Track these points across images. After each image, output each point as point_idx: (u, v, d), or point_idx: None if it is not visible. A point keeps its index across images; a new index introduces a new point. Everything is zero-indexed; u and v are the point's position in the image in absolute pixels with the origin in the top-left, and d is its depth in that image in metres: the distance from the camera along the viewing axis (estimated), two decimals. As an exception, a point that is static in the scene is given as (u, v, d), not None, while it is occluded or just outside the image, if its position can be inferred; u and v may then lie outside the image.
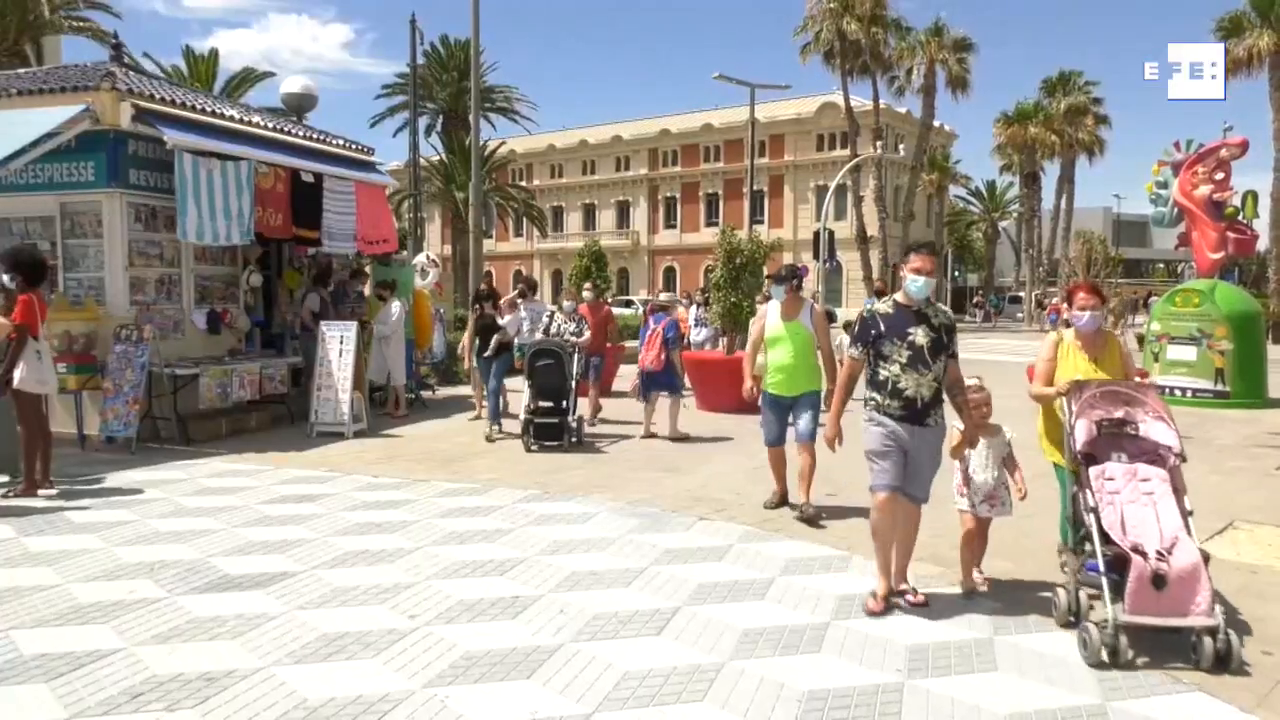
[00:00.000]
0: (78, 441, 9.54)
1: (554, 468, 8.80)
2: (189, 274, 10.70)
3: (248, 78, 33.29)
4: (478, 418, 11.62)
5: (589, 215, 66.10)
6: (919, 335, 4.81)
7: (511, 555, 5.86)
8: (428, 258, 14.39)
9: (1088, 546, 4.50)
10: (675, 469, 8.79)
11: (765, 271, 11.81)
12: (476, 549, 6.01)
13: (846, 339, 9.53)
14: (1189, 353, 14.03)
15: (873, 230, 44.70)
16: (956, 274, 52.56)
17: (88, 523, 6.61)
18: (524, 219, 51.03)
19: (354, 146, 13.31)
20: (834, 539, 6.31)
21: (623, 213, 64.68)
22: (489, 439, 10.28)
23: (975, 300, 56.37)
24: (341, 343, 10.68)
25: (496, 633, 4.54)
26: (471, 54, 19.31)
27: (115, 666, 4.08)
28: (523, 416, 9.77)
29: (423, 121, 40.16)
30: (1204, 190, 14.96)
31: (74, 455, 9.13)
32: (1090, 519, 4.46)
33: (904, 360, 4.80)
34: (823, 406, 6.72)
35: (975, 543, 5.33)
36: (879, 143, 40.67)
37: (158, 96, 10.18)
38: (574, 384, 9.85)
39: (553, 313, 10.98)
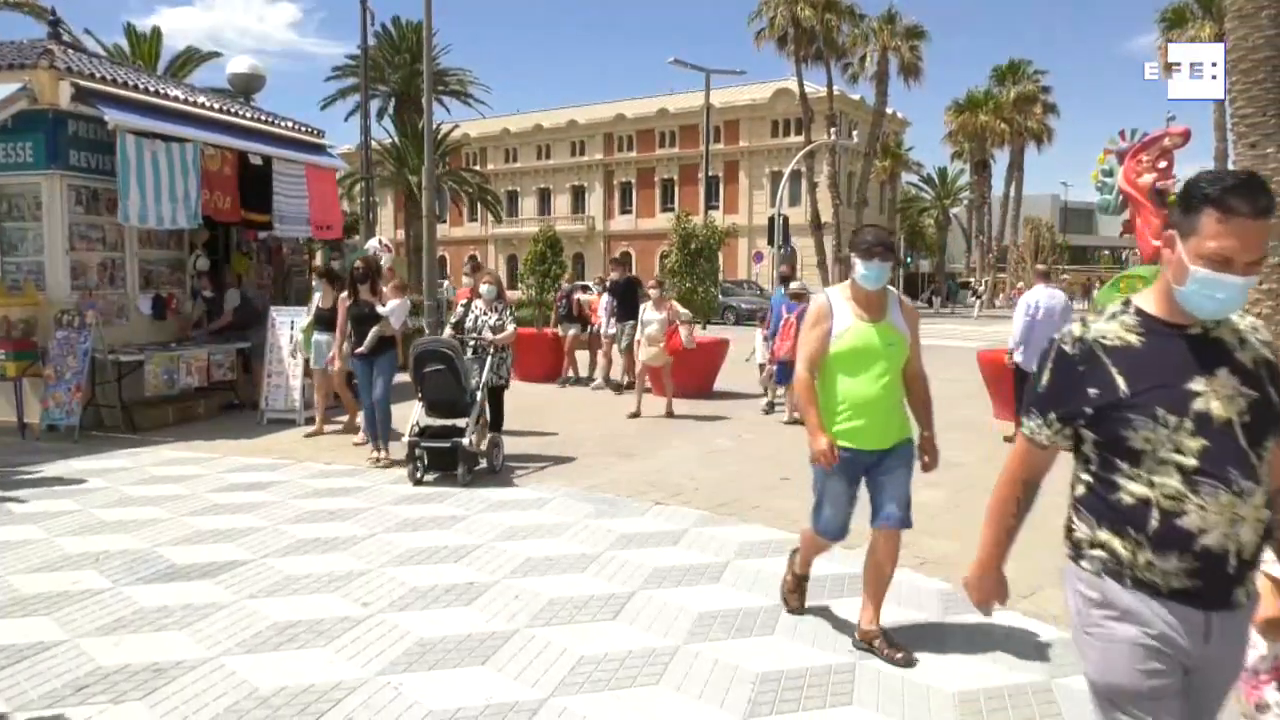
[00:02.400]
0: (18, 430, 9.29)
1: (510, 454, 8.75)
2: (133, 258, 10.45)
3: (192, 57, 32.47)
4: (360, 442, 8.94)
5: (544, 200, 65.71)
6: (1212, 395, 2.03)
7: (466, 542, 5.84)
8: (380, 242, 14.19)
9: None
10: (630, 454, 8.80)
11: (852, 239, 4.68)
12: (430, 536, 5.97)
13: (760, 339, 9.79)
14: (1132, 338, 14.33)
15: (827, 216, 45.01)
16: (909, 260, 53.15)
17: (29, 513, 6.45)
18: (478, 203, 50.57)
19: (304, 129, 13.08)
20: (787, 523, 6.37)
21: (578, 198, 64.40)
22: (377, 464, 8.12)
23: (933, 286, 57.03)
24: (292, 329, 10.51)
25: (450, 619, 4.52)
26: (424, 36, 19.04)
27: (59, 659, 4.00)
28: (406, 438, 7.53)
29: (375, 104, 39.65)
30: (1147, 178, 15.21)
31: (14, 444, 8.89)
32: None
33: (1187, 459, 2.02)
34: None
35: None
36: (833, 129, 40.97)
37: (98, 75, 9.91)
38: (478, 395, 7.75)
39: (469, 301, 8.72)
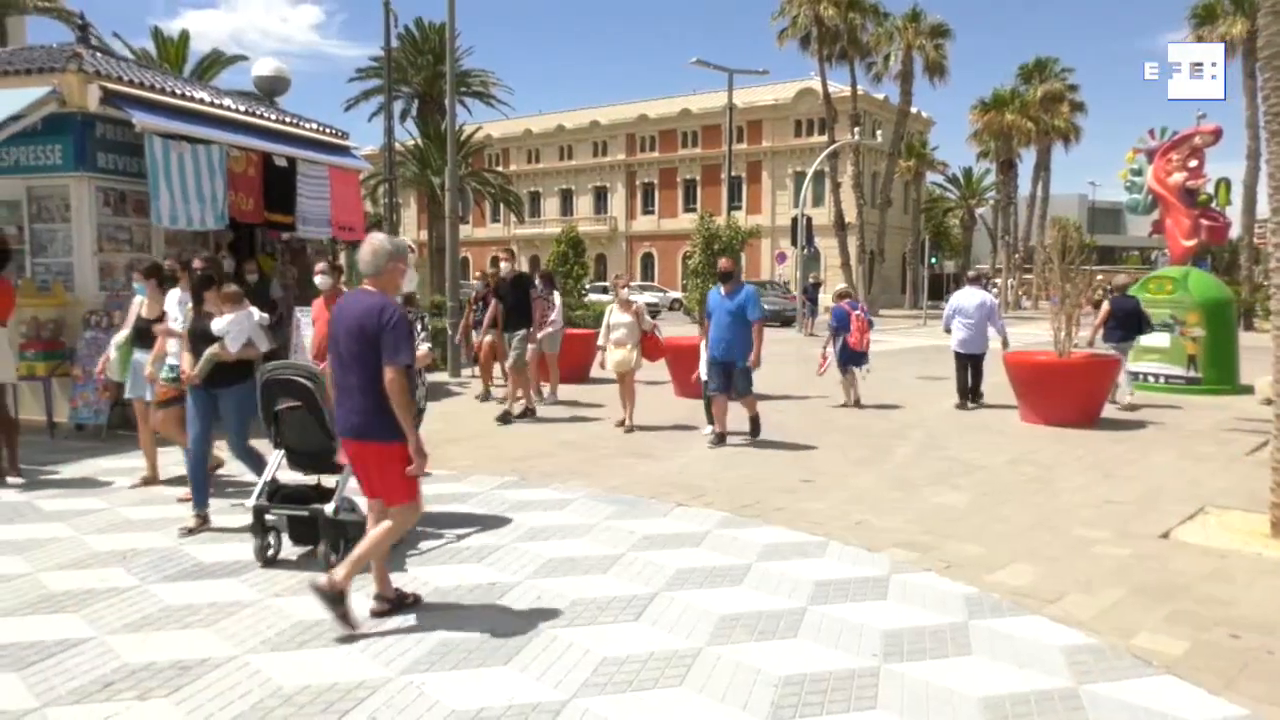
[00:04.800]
0: (47, 429, 9.40)
1: (530, 454, 8.77)
2: (160, 259, 10.53)
3: (218, 60, 32.84)
4: (185, 498, 6.55)
5: (566, 201, 65.83)
6: None
7: (488, 542, 5.84)
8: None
9: None
10: (651, 455, 8.79)
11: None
12: (453, 535, 5.98)
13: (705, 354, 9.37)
14: (1162, 339, 14.17)
15: (851, 217, 44.85)
16: (934, 261, 52.75)
17: (57, 511, 6.53)
18: (501, 204, 50.74)
19: (328, 130, 13.16)
20: (810, 525, 6.33)
21: (600, 198, 64.47)
22: (191, 532, 5.99)
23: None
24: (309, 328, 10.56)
25: (474, 619, 4.52)
26: (447, 37, 19.12)
27: (86, 655, 4.04)
28: (251, 501, 5.42)
29: (398, 106, 39.84)
30: (1178, 177, 15.11)
31: (43, 443, 8.99)
32: None
33: None
34: None
35: None
36: (856, 129, 40.76)
37: (126, 79, 10.01)
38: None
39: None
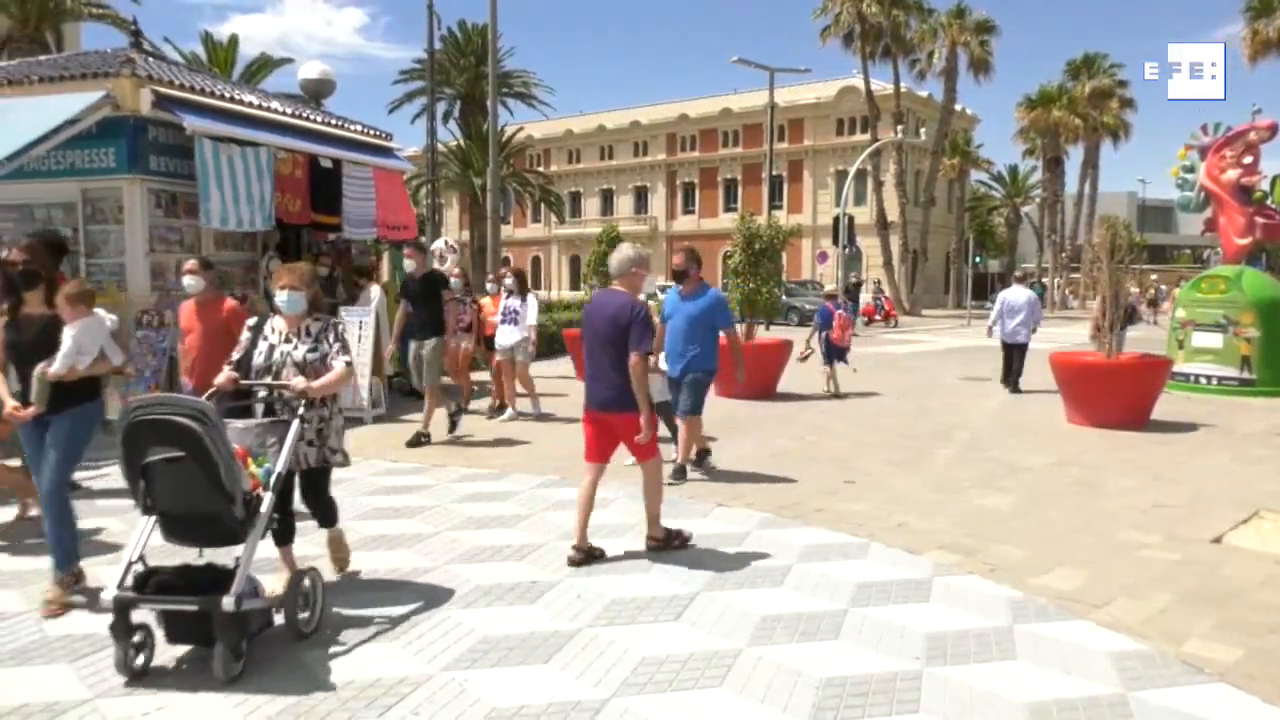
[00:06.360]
0: (100, 426, 9.60)
1: (572, 453, 8.78)
2: (209, 260, 10.74)
3: (266, 63, 33.42)
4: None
5: (607, 201, 65.95)
6: None
7: (529, 540, 5.87)
8: (445, 243, 14.40)
9: None
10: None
11: None
12: (494, 534, 6.02)
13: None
14: (1214, 340, 13.87)
15: (893, 216, 44.41)
16: (978, 260, 52.01)
17: (110, 507, 6.67)
18: (541, 205, 50.99)
19: (372, 132, 13.32)
20: (852, 526, 6.28)
21: (640, 198, 64.50)
22: (51, 604, 4.63)
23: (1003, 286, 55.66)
24: (360, 328, 10.72)
25: (514, 617, 4.55)
26: (489, 39, 19.28)
27: (137, 648, 4.10)
28: (112, 590, 3.83)
29: (440, 107, 40.20)
30: (1231, 174, 14.77)
31: (96, 440, 9.17)
32: None
33: None
34: None
35: None
36: (899, 127, 40.32)
37: (177, 82, 10.21)
38: (264, 499, 4.14)
39: (258, 322, 4.87)
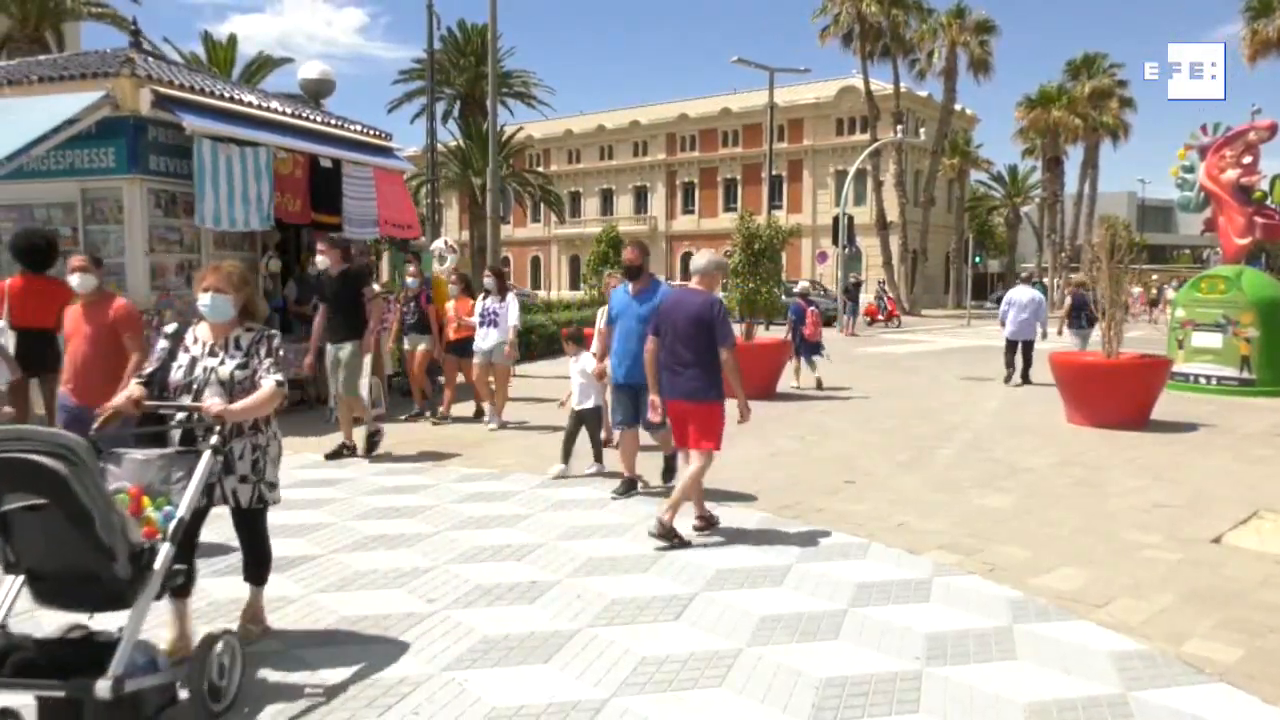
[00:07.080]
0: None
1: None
2: (209, 259, 10.72)
3: (265, 63, 33.43)
4: None
5: (606, 200, 65.98)
6: None
7: (529, 540, 5.87)
8: (445, 243, 14.39)
9: None
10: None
11: None
12: (494, 534, 6.02)
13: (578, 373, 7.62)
14: (1214, 339, 13.87)
15: (893, 215, 44.45)
16: (978, 260, 52.00)
17: None
18: (541, 204, 51.06)
19: (372, 132, 13.31)
20: (852, 526, 6.28)
21: (640, 198, 64.53)
22: None
23: (1004, 286, 55.65)
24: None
25: (514, 617, 4.55)
26: (489, 39, 19.29)
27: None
28: None
29: (440, 107, 40.22)
30: (1231, 174, 14.77)
31: (97, 439, 9.18)
32: None
33: None
34: None
35: None
36: (899, 127, 40.34)
37: (176, 82, 10.20)
38: (161, 552, 3.29)
39: (177, 330, 4.19)
